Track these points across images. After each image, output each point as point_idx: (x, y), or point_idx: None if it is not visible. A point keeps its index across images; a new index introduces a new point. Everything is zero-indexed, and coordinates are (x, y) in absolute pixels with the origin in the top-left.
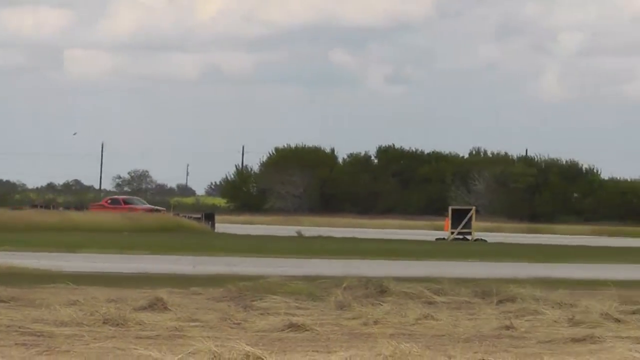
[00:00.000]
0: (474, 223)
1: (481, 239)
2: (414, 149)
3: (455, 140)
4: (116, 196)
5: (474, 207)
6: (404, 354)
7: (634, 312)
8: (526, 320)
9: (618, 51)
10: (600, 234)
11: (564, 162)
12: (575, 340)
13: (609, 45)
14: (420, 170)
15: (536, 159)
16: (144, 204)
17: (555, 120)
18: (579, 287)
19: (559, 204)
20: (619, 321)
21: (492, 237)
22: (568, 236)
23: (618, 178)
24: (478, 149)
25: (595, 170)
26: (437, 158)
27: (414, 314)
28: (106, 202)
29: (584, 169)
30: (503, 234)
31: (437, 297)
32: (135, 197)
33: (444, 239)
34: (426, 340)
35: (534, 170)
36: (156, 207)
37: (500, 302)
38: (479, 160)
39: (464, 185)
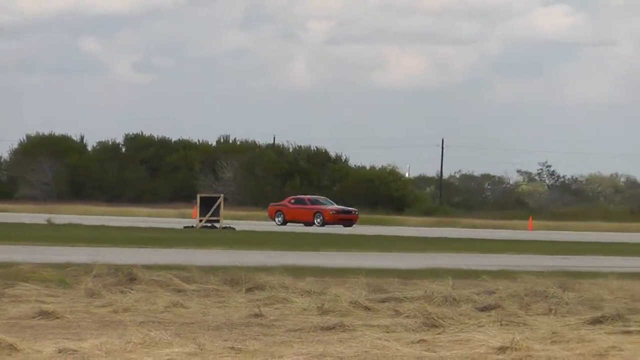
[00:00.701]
0: (222, 211)
1: (230, 227)
2: (162, 137)
3: (203, 128)
4: (301, 195)
5: (222, 195)
6: (154, 341)
7: (383, 301)
8: (275, 309)
9: (365, 39)
10: None
11: (313, 150)
12: (324, 328)
13: (357, 33)
14: (168, 159)
15: (285, 147)
16: (332, 203)
17: (303, 108)
18: (327, 275)
19: (308, 192)
20: (369, 309)
21: (240, 225)
22: None
23: (365, 166)
24: (227, 136)
25: (343, 158)
26: (185, 146)
27: (163, 302)
28: (289, 201)
29: (332, 156)
30: (252, 221)
31: (186, 284)
32: (322, 197)
33: (192, 226)
34: (176, 328)
35: (282, 157)
36: (347, 207)
37: (249, 290)
38: (227, 148)
39: (212, 173)
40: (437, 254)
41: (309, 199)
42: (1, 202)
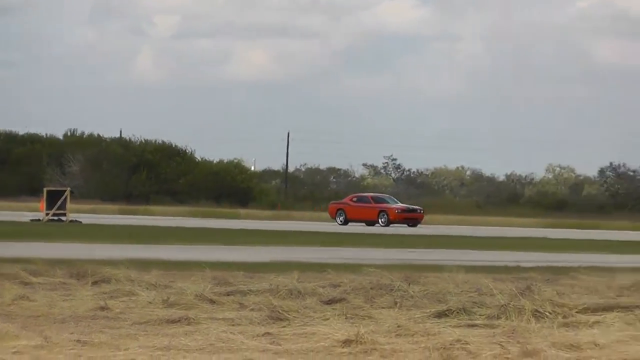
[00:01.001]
0: (69, 204)
1: (76, 220)
2: (9, 131)
3: (51, 122)
4: (364, 193)
5: (68, 189)
6: (1, 334)
7: (228, 294)
8: (121, 302)
9: (212, 33)
10: (194, 215)
11: (159, 143)
12: (170, 321)
13: (203, 28)
14: (15, 152)
15: (131, 140)
16: (396, 202)
17: (149, 101)
18: (173, 269)
19: (155, 185)
20: (214, 302)
21: (87, 219)
22: (164, 217)
23: (212, 159)
24: (74, 130)
25: (189, 152)
26: (32, 139)
27: (9, 295)
28: (351, 199)
29: (178, 149)
30: (99, 215)
31: (32, 278)
32: (386, 195)
33: (39, 220)
34: (22, 321)
35: (129, 151)
36: (413, 206)
37: (95, 283)
38: (73, 141)
39: (59, 167)
40: (282, 247)
41: (372, 197)
42: None
